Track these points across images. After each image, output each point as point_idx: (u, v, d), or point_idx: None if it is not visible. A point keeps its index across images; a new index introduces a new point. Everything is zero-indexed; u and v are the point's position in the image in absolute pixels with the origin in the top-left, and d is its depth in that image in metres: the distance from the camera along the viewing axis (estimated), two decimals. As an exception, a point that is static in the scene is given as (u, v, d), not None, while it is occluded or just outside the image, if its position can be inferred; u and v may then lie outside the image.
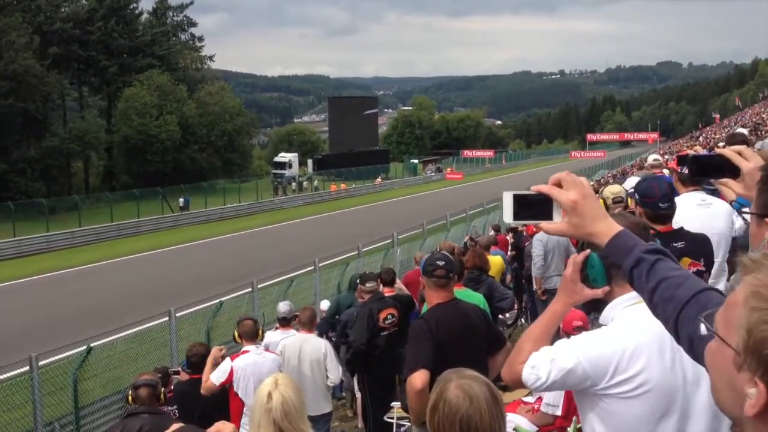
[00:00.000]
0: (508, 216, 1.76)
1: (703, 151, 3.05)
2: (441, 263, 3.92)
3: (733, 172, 1.95)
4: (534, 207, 1.72)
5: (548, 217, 1.71)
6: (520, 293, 12.23)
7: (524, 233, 13.81)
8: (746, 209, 1.62)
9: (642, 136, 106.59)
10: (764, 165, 1.50)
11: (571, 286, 2.14)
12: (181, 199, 46.70)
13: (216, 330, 12.80)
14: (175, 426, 2.10)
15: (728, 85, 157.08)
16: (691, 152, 3.13)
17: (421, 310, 7.68)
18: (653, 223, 3.61)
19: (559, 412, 4.61)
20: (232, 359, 6.09)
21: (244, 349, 6.23)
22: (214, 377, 5.96)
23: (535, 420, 4.61)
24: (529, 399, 4.92)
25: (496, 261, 9.04)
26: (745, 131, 12.23)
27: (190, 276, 24.64)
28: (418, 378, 3.57)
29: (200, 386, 5.98)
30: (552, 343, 2.18)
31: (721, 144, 18.84)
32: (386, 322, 6.60)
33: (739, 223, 4.27)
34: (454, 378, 2.04)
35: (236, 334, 6.49)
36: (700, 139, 53.05)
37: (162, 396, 4.94)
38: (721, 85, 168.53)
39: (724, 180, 2.01)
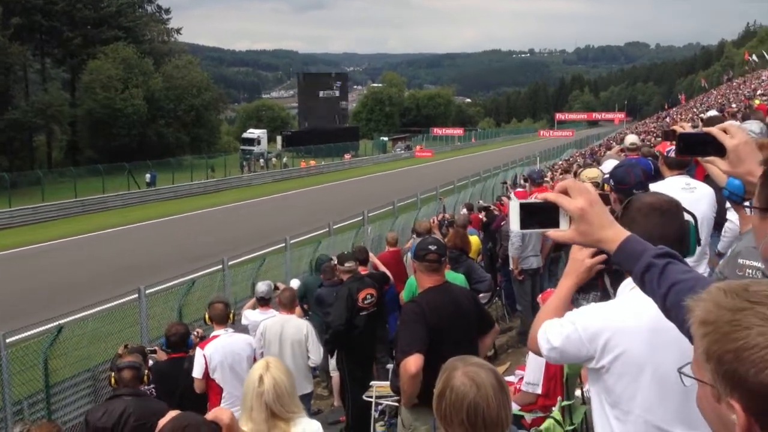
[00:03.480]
0: (515, 224, 1.74)
1: (689, 128, 3.07)
2: (433, 248, 3.94)
3: (719, 149, 1.95)
4: (541, 215, 1.71)
5: (555, 224, 1.71)
6: (494, 272, 12.31)
7: (496, 213, 13.85)
8: (747, 203, 1.61)
9: (609, 116, 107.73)
10: (766, 159, 1.50)
11: (581, 266, 2.27)
12: (148, 175, 46.04)
13: (188, 307, 12.69)
14: (173, 413, 2.07)
15: (694, 66, 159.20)
16: (678, 128, 3.15)
17: (400, 291, 7.74)
18: None
19: (539, 390, 4.67)
20: (202, 347, 6.04)
21: (213, 333, 6.18)
22: (196, 374, 5.94)
23: (517, 399, 4.66)
24: (511, 378, 4.98)
25: (474, 241, 9.08)
26: (718, 113, 12.39)
27: (158, 253, 24.37)
28: (412, 362, 3.59)
29: (180, 366, 5.94)
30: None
31: (688, 124, 19.09)
32: (365, 302, 6.61)
33: (729, 227, 4.29)
34: (460, 366, 2.05)
35: (206, 316, 6.46)
36: (667, 119, 53.81)
37: (146, 378, 4.89)
38: (687, 66, 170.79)
39: (710, 158, 2.02)
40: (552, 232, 1.72)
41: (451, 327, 3.84)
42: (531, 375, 4.62)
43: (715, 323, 0.98)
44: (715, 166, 2.01)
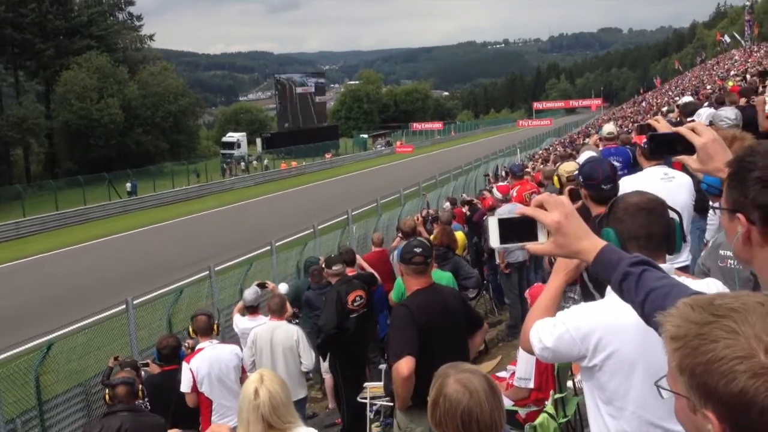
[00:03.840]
0: (494, 241, 1.79)
1: (664, 122, 3.12)
2: (418, 250, 3.98)
3: (688, 148, 2.00)
4: (519, 229, 1.76)
5: (534, 238, 1.75)
6: (480, 266, 12.38)
7: (479, 207, 13.89)
8: (717, 204, 1.66)
9: (586, 102, 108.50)
10: (732, 159, 1.54)
11: (570, 263, 2.27)
12: (129, 184, 45.73)
13: (177, 316, 12.66)
14: None
15: (668, 50, 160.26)
16: (653, 122, 3.21)
17: (388, 290, 7.78)
18: (597, 204, 3.73)
19: (531, 385, 4.74)
20: (188, 361, 6.06)
21: (198, 346, 6.19)
22: (184, 388, 5.95)
23: (510, 395, 4.73)
24: (503, 374, 5.04)
25: (459, 237, 9.14)
26: (693, 99, 12.54)
27: (144, 262, 24.25)
28: (404, 365, 3.64)
29: (173, 378, 5.95)
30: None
31: (664, 110, 19.26)
32: (355, 304, 6.64)
33: (713, 215, 4.36)
34: (452, 373, 2.10)
35: (190, 329, 6.47)
36: (643, 104, 54.21)
37: (140, 393, 4.90)
38: (660, 49, 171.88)
39: (681, 157, 2.08)
40: (531, 246, 1.77)
41: (441, 328, 3.89)
42: (522, 370, 4.69)
43: (684, 338, 1.03)
44: (686, 163, 2.07)
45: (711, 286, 2.19)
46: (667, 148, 2.14)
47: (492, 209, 11.01)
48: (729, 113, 5.45)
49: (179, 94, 68.89)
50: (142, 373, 6.81)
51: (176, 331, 11.78)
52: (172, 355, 6.24)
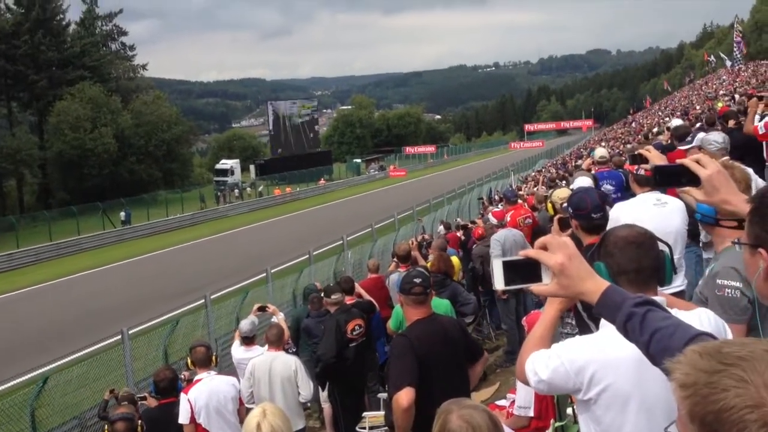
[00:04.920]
0: (499, 283, 1.80)
1: (655, 151, 3.18)
2: (418, 280, 4.00)
3: (693, 180, 2.03)
4: (523, 271, 1.78)
5: (538, 279, 1.77)
6: (477, 291, 12.36)
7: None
8: (738, 239, 1.66)
9: (577, 123, 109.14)
10: (755, 195, 1.57)
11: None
12: (123, 213, 45.69)
13: (173, 346, 12.60)
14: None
15: (656, 70, 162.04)
16: (644, 152, 3.26)
17: (385, 316, 7.78)
18: (588, 234, 3.75)
19: (531, 413, 4.74)
20: (186, 392, 6.05)
21: (197, 377, 6.18)
22: (182, 419, 5.93)
23: (510, 423, 4.71)
24: (503, 402, 5.04)
25: (455, 262, 9.16)
26: (683, 122, 12.67)
27: (139, 291, 24.15)
28: (404, 396, 3.64)
29: (171, 411, 5.92)
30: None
31: (654, 131, 19.41)
32: (354, 333, 6.64)
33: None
34: (455, 409, 2.11)
35: (189, 361, 6.46)
36: (633, 124, 54.61)
37: (140, 428, 4.88)
38: (649, 70, 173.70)
39: (686, 188, 2.10)
40: (535, 287, 1.79)
41: (441, 358, 3.89)
42: (522, 398, 4.68)
43: (694, 386, 1.05)
44: (691, 195, 2.09)
45: (703, 317, 2.21)
46: (673, 180, 2.16)
47: (482, 238, 11.14)
48: (717, 137, 5.53)
49: (172, 122, 69.07)
50: (140, 406, 6.77)
51: (172, 362, 11.73)
52: (170, 388, 6.21)
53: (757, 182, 5.06)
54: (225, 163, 68.38)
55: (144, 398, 6.82)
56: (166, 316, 14.92)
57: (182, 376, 7.47)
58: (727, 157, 5.34)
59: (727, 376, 1.02)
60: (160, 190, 59.55)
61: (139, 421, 4.95)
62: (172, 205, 49.87)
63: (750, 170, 5.26)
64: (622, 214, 4.52)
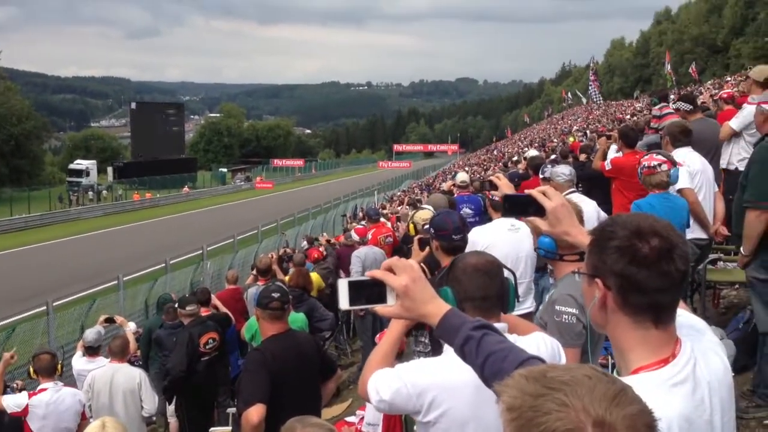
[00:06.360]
0: (344, 303, 1.78)
1: (504, 180, 3.33)
2: (276, 295, 3.94)
3: (539, 210, 2.12)
4: (368, 291, 1.77)
5: (382, 300, 1.77)
6: (335, 307, 12.40)
7: (336, 247, 13.94)
8: (578, 269, 1.73)
9: (444, 147, 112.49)
10: (595, 228, 1.65)
11: None
12: (-39, 210, 42.22)
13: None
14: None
15: (518, 102, 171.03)
16: (494, 179, 3.39)
17: (240, 329, 7.62)
18: (448, 254, 3.85)
19: (380, 430, 4.77)
20: (30, 396, 5.66)
21: (41, 387, 5.76)
22: (8, 403, 5.54)
23: (358, 440, 4.73)
24: (353, 419, 5.04)
25: (315, 278, 9.13)
26: (539, 154, 13.40)
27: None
28: (255, 412, 3.57)
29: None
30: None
31: (514, 159, 20.39)
32: (207, 347, 6.46)
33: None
34: (299, 427, 2.09)
35: (31, 369, 6.02)
36: (495, 152, 57.18)
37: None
38: (512, 101, 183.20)
39: (531, 218, 2.20)
40: (379, 308, 1.79)
41: (294, 375, 3.85)
42: (371, 415, 4.71)
43: (519, 409, 1.07)
44: (536, 225, 2.19)
45: (539, 340, 2.32)
46: (520, 209, 2.22)
47: (316, 262, 11.28)
48: (564, 169, 5.88)
49: (23, 116, 64.79)
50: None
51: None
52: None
53: (600, 214, 5.44)
54: (80, 164, 64.89)
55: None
56: (1, 323, 13.85)
57: (14, 385, 6.95)
58: (572, 189, 5.69)
59: (550, 400, 1.05)
60: (6, 187, 55.53)
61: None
62: (18, 204, 46.65)
63: (593, 203, 5.65)
64: (479, 238, 4.70)
